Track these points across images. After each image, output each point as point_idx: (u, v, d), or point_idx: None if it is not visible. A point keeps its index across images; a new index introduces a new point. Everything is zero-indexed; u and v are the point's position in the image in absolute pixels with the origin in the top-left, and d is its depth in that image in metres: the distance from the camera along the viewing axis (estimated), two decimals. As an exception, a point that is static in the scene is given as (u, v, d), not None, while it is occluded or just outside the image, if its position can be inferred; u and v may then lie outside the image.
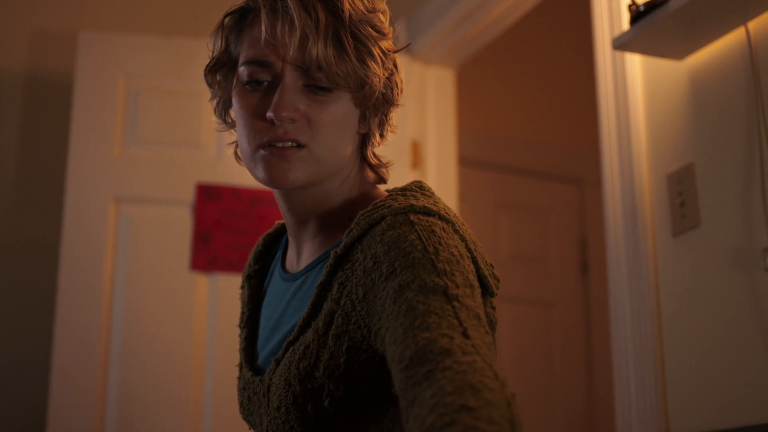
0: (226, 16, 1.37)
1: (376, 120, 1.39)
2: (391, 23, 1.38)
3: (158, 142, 3.26)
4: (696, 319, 2.11)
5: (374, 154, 1.43)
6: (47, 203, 3.32)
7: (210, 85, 1.41)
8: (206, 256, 3.14)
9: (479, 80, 4.25)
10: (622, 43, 2.16)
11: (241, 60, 1.33)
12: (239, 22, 1.36)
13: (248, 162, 1.34)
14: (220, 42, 1.38)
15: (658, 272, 2.24)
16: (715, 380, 2.04)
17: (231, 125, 1.43)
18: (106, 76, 3.25)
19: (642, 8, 2.08)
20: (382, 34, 1.33)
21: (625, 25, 2.32)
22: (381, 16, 1.35)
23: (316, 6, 1.27)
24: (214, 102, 1.43)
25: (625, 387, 2.28)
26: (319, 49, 1.25)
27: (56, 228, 3.22)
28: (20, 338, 3.23)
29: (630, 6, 2.12)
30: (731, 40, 2.09)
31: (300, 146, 1.29)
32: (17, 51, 3.45)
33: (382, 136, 1.42)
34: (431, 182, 3.42)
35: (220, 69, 1.38)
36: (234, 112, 1.36)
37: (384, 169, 1.45)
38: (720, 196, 2.08)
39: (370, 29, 1.31)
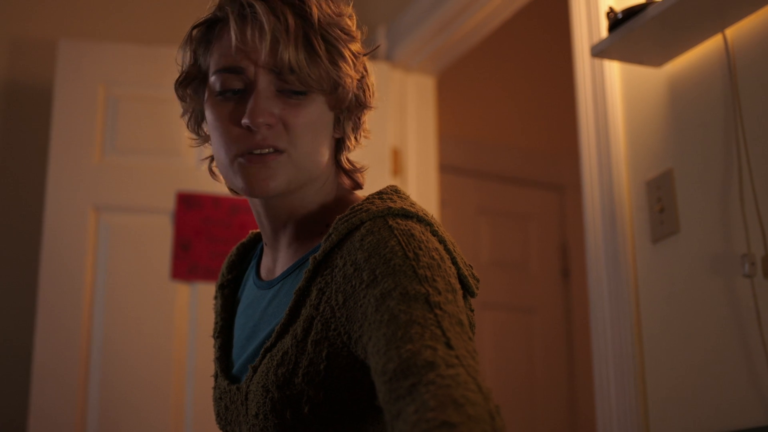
0: (193, 29, 1.36)
1: (351, 124, 1.39)
2: (359, 27, 1.38)
3: (138, 150, 3.25)
4: (676, 324, 2.12)
5: (348, 160, 1.43)
6: (27, 211, 3.31)
7: (181, 99, 1.40)
8: (187, 265, 3.13)
9: (460, 87, 4.25)
10: (600, 51, 2.16)
11: (211, 70, 1.32)
12: (207, 33, 1.35)
13: (226, 172, 1.32)
14: (189, 55, 1.37)
15: (637, 278, 2.25)
16: (695, 386, 2.05)
17: (205, 139, 1.42)
18: (86, 84, 3.24)
19: (620, 15, 2.09)
20: (351, 37, 1.34)
21: (604, 32, 2.33)
22: (348, 20, 1.35)
23: (284, 11, 1.27)
24: (186, 117, 1.42)
25: (606, 393, 2.28)
26: (290, 53, 1.25)
27: (36, 236, 3.20)
28: (1, 345, 3.21)
29: (608, 13, 2.13)
30: (709, 46, 2.10)
31: (279, 152, 1.28)
32: (-4, 59, 3.43)
33: (356, 140, 1.42)
34: (412, 189, 3.42)
35: (191, 82, 1.37)
36: (208, 124, 1.35)
37: (359, 175, 1.45)
38: (699, 202, 2.09)
39: (339, 32, 1.31)
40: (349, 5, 1.38)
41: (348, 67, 1.31)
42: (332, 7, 1.33)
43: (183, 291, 3.16)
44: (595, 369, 2.33)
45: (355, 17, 1.38)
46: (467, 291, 1.31)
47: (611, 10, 2.13)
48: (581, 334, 4.18)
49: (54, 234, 3.10)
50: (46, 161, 3.22)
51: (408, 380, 1.00)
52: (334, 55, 1.29)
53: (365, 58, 1.38)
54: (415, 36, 3.38)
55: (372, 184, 1.44)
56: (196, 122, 1.42)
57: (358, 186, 1.45)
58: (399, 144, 3.47)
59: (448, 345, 1.04)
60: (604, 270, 2.32)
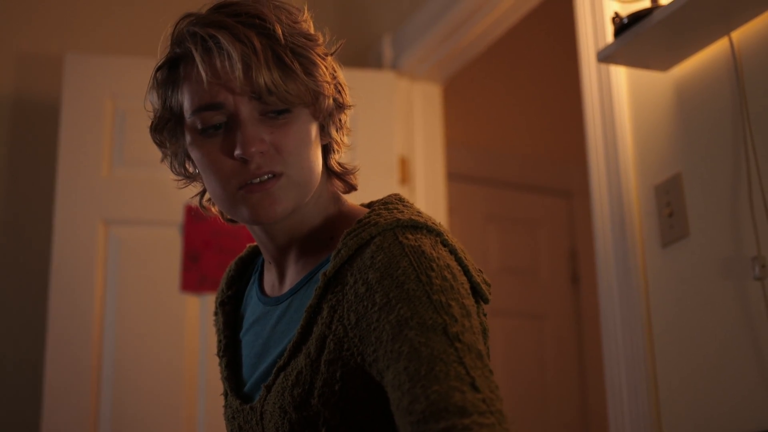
0: (156, 71, 1.34)
1: (334, 127, 1.37)
2: (317, 27, 1.36)
3: (146, 162, 3.24)
4: (686, 328, 2.12)
5: (339, 163, 1.41)
6: (36, 226, 3.32)
7: (160, 145, 1.37)
8: (196, 277, 3.13)
9: (466, 94, 4.25)
10: (606, 56, 2.16)
11: (189, 110, 1.29)
12: (171, 73, 1.33)
13: (227, 206, 1.30)
14: (157, 99, 1.34)
15: (647, 283, 2.24)
16: (706, 389, 2.05)
17: (192, 177, 1.40)
18: (93, 98, 3.25)
19: (626, 20, 2.09)
20: (315, 41, 1.31)
21: (610, 37, 2.33)
22: (306, 23, 1.33)
23: (248, 34, 1.24)
24: (168, 161, 1.39)
25: (618, 397, 2.28)
26: (264, 75, 1.23)
27: (46, 250, 3.21)
28: (12, 359, 3.21)
29: (614, 18, 2.13)
30: (715, 50, 2.10)
31: (277, 176, 1.27)
32: (4, 74, 3.44)
33: (342, 141, 1.39)
34: (420, 197, 3.42)
35: (165, 125, 1.35)
36: (196, 164, 1.33)
37: (351, 176, 1.43)
38: (708, 206, 2.09)
39: (304, 40, 1.29)
40: (302, 9, 1.35)
41: (323, 73, 1.29)
42: (290, 16, 1.30)
43: (193, 303, 3.16)
44: (606, 374, 2.33)
45: (308, 17, 1.35)
46: (480, 298, 1.30)
47: (617, 15, 2.12)
48: (592, 340, 4.17)
49: (63, 248, 3.11)
50: (54, 176, 3.22)
51: (440, 424, 1.00)
52: (308, 66, 1.27)
53: (331, 57, 1.35)
54: (421, 44, 3.38)
55: (380, 193, 1.43)
56: (179, 163, 1.39)
57: (352, 188, 1.44)
58: (406, 153, 3.47)
59: (474, 386, 1.04)
60: (614, 275, 2.32)
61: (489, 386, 1.06)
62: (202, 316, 3.14)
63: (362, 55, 3.72)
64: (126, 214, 3.20)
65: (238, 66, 1.23)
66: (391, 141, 3.39)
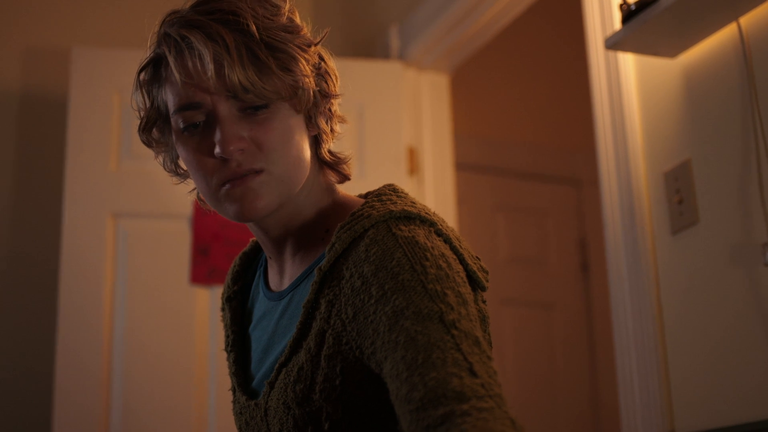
0: (140, 72, 1.34)
1: (323, 118, 1.35)
2: (300, 18, 1.33)
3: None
4: (697, 315, 2.11)
5: (330, 152, 1.40)
6: (45, 220, 3.32)
7: (147, 145, 1.37)
8: (206, 269, 3.13)
9: (474, 84, 4.25)
10: (614, 43, 2.16)
11: (170, 110, 1.29)
12: (155, 73, 1.33)
13: (213, 204, 1.31)
14: (143, 99, 1.34)
15: (657, 270, 2.24)
16: (718, 377, 2.04)
17: (184, 175, 1.40)
18: (101, 92, 3.25)
19: (633, 7, 2.08)
20: (296, 33, 1.29)
21: (617, 24, 2.32)
22: (288, 15, 1.31)
23: (220, 31, 1.23)
24: (160, 159, 1.40)
25: (629, 386, 2.28)
26: (238, 74, 1.22)
27: (55, 244, 3.21)
28: (21, 355, 3.22)
29: (621, 5, 2.12)
30: (723, 36, 2.09)
31: (258, 172, 1.26)
32: (11, 69, 3.44)
33: (332, 130, 1.38)
34: (429, 188, 3.42)
35: (154, 125, 1.35)
36: (183, 161, 1.33)
37: (344, 166, 1.41)
38: (718, 192, 2.08)
39: (282, 33, 1.26)
40: (285, 0, 1.33)
41: (302, 67, 1.27)
42: (268, 8, 1.28)
43: (203, 295, 3.16)
44: (617, 362, 2.33)
45: (294, 8, 1.33)
46: (477, 286, 1.30)
47: (624, 1, 2.12)
48: (602, 328, 4.17)
49: (73, 242, 3.11)
50: (62, 170, 3.23)
51: (438, 410, 1.00)
52: (284, 60, 1.25)
53: (318, 46, 1.33)
54: (428, 34, 3.38)
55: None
56: (171, 161, 1.39)
57: (346, 177, 1.42)
58: (414, 143, 3.47)
59: (472, 371, 1.04)
60: (624, 263, 2.32)
61: (487, 371, 1.06)
62: (211, 308, 3.15)
63: (369, 45, 3.71)
64: (134, 208, 3.21)
65: (210, 66, 1.22)
66: (399, 131, 3.39)
